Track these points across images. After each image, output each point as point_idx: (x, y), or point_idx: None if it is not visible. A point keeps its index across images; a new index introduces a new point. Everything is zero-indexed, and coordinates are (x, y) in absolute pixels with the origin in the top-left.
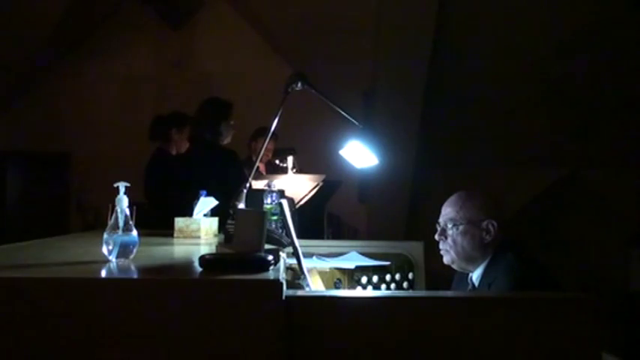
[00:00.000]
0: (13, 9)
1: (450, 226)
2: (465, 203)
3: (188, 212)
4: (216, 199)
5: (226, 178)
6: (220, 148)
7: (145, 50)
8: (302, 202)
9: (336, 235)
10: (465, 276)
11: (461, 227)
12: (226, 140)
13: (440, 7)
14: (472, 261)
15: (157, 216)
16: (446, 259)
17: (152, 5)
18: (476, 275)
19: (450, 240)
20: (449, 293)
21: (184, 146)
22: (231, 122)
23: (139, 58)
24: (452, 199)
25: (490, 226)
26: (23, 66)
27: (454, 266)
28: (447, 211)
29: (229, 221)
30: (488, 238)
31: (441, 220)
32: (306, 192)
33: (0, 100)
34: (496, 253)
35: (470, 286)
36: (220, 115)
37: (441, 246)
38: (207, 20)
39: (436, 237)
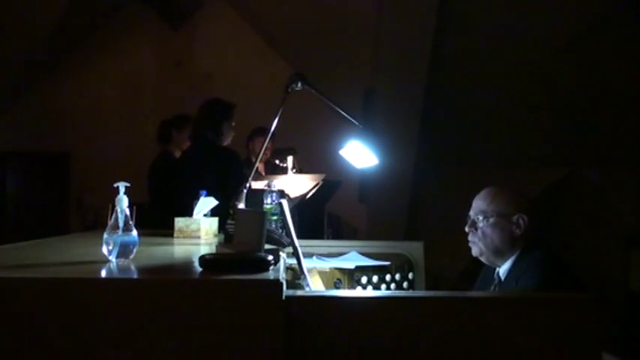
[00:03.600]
0: (13, 9)
1: (480, 218)
2: (496, 196)
3: (189, 212)
4: (216, 198)
5: (226, 177)
6: (221, 148)
7: (145, 50)
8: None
9: (336, 235)
10: (491, 271)
11: (491, 220)
12: (226, 141)
13: (440, 7)
14: (500, 254)
15: (160, 215)
16: (474, 251)
17: (152, 5)
18: (503, 270)
19: (479, 232)
20: (448, 293)
21: (185, 146)
22: (233, 124)
23: (139, 58)
24: (484, 192)
25: (521, 221)
26: (23, 66)
27: (482, 259)
28: (478, 204)
29: (229, 221)
30: (518, 232)
31: (471, 212)
32: (306, 192)
33: (0, 100)
34: (525, 248)
35: (496, 281)
36: (222, 115)
37: (470, 238)
38: (207, 20)
39: (466, 229)
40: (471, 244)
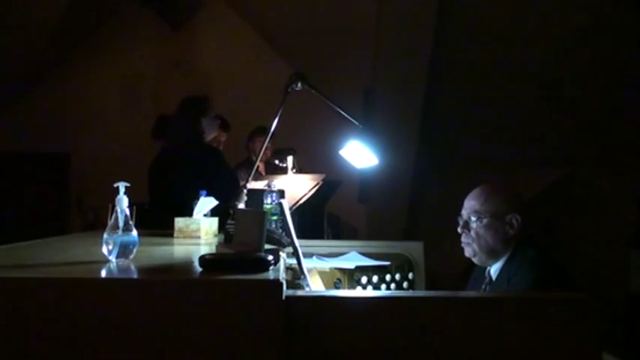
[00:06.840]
0: (13, 9)
1: (473, 219)
2: (489, 196)
3: (186, 211)
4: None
5: (210, 176)
6: (203, 147)
7: (145, 50)
8: (302, 202)
9: (336, 235)
10: (482, 269)
11: (485, 220)
12: (211, 136)
13: (440, 7)
14: (494, 255)
15: (158, 215)
16: (467, 252)
17: (152, 5)
18: (494, 269)
19: (472, 233)
20: (449, 293)
21: None
22: (213, 115)
23: (139, 58)
24: (476, 191)
25: (514, 221)
26: (23, 66)
27: (475, 260)
28: (471, 204)
29: (229, 221)
30: (511, 232)
31: (464, 212)
32: (306, 192)
33: (0, 101)
34: (517, 248)
35: (487, 280)
36: (200, 112)
37: (463, 239)
38: (207, 20)
39: (458, 230)
40: (464, 245)
